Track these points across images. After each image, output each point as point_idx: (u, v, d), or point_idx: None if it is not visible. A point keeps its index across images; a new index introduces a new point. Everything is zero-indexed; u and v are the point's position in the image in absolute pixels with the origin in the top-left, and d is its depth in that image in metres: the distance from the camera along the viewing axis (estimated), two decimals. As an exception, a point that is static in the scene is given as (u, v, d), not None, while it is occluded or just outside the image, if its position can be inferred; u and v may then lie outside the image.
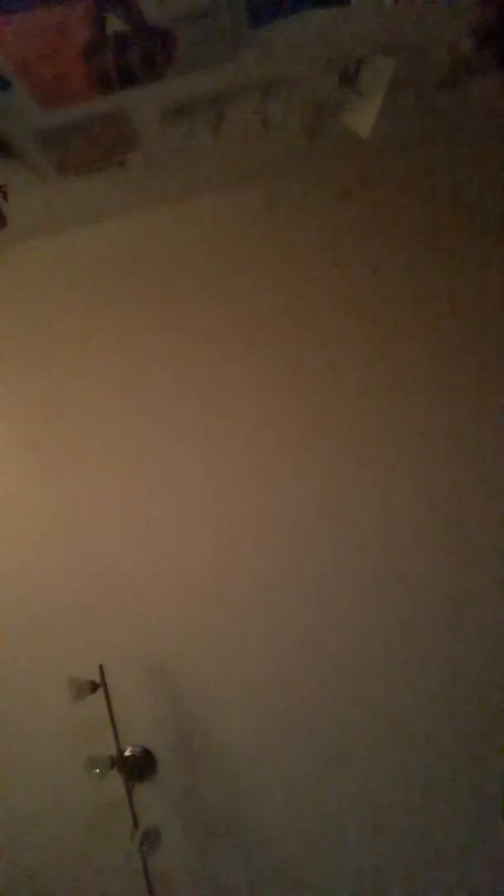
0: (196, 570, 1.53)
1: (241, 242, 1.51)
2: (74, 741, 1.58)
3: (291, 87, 1.11)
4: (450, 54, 1.08)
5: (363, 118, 1.20)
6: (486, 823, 1.41)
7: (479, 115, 1.33)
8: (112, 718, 1.44)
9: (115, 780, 1.47)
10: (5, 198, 1.25)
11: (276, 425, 1.49)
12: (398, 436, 1.44)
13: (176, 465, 1.54)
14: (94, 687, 1.43)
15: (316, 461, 1.47)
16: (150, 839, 1.42)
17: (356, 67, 1.08)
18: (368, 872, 1.49)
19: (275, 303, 1.50)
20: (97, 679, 1.44)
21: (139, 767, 1.53)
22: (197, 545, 1.53)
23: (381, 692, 1.45)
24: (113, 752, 1.46)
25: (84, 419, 1.59)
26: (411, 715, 1.44)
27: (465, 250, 1.42)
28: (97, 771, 1.43)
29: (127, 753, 1.54)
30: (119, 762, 1.46)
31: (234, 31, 0.93)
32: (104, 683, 1.44)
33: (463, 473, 1.42)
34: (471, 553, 1.41)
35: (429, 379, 1.43)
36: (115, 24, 0.87)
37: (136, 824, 1.45)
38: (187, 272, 1.53)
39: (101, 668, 1.45)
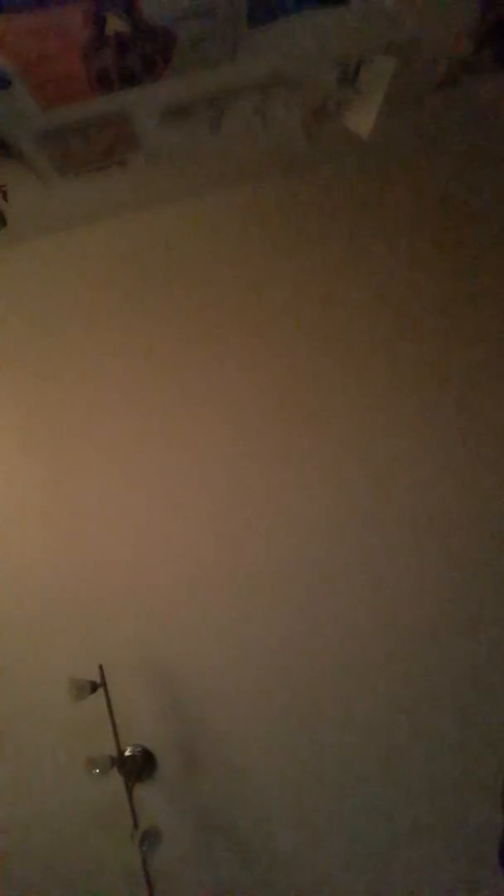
0: (196, 570, 1.53)
1: (242, 242, 1.51)
2: (74, 741, 1.58)
3: (291, 87, 1.11)
4: (450, 54, 1.08)
5: (363, 118, 1.20)
6: (490, 823, 1.41)
7: (479, 115, 1.33)
8: (112, 718, 1.45)
9: (115, 780, 1.47)
10: (5, 198, 1.25)
11: (276, 426, 1.49)
12: (398, 435, 1.44)
13: (176, 466, 1.54)
14: (94, 687, 1.43)
15: (316, 461, 1.47)
16: (150, 839, 1.42)
17: (356, 67, 1.08)
18: (369, 872, 1.49)
19: (275, 303, 1.50)
20: (97, 679, 1.44)
21: (139, 767, 1.53)
22: (197, 545, 1.53)
23: (383, 690, 1.45)
24: (113, 752, 1.46)
25: (84, 420, 1.59)
26: (415, 713, 1.44)
27: (465, 249, 1.42)
28: (97, 771, 1.43)
29: (127, 753, 1.54)
30: (119, 762, 1.46)
31: (234, 31, 0.93)
32: (104, 683, 1.44)
33: (462, 471, 1.42)
34: (473, 547, 1.41)
35: (429, 378, 1.43)
36: (115, 24, 0.87)
37: (136, 824, 1.45)
38: (187, 272, 1.53)
39: (101, 668, 1.45)
